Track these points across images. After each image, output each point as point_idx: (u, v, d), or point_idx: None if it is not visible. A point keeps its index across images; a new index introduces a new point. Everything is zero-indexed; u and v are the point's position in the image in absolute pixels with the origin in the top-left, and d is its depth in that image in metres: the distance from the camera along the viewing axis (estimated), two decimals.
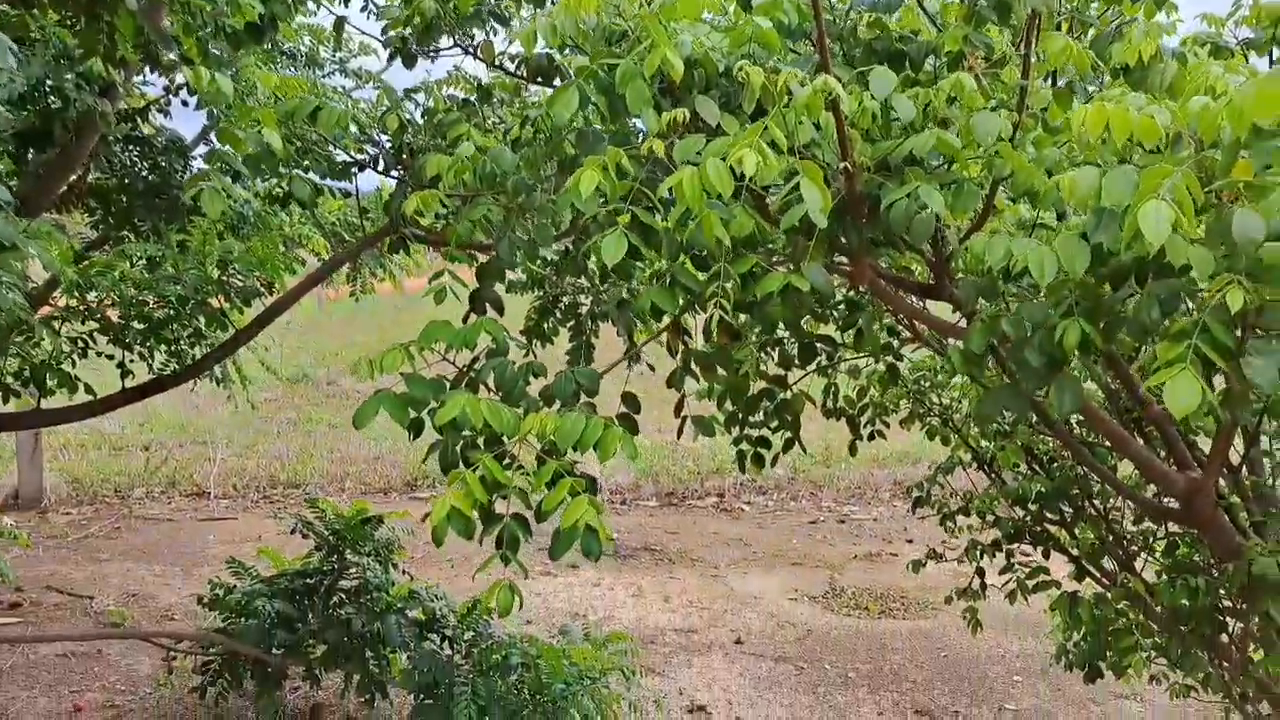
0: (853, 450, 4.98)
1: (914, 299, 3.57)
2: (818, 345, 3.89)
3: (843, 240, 2.82)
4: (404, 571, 5.08)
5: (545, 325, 5.02)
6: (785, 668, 6.40)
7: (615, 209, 2.28)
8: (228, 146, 3.06)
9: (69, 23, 4.09)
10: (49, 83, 3.90)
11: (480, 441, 2.33)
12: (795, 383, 4.15)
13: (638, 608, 7.45)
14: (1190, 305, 2.05)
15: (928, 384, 5.00)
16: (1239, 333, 1.95)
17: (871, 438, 4.81)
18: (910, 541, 9.05)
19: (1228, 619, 4.13)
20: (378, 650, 4.65)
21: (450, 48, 3.72)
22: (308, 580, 4.92)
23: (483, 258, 3.17)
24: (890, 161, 2.51)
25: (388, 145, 3.83)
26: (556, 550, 2.24)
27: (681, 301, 2.70)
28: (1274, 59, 3.06)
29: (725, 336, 3.30)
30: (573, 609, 7.35)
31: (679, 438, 3.22)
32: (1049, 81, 2.90)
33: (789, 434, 4.23)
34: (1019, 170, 2.51)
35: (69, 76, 3.82)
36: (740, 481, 10.95)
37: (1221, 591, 3.93)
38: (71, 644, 6.34)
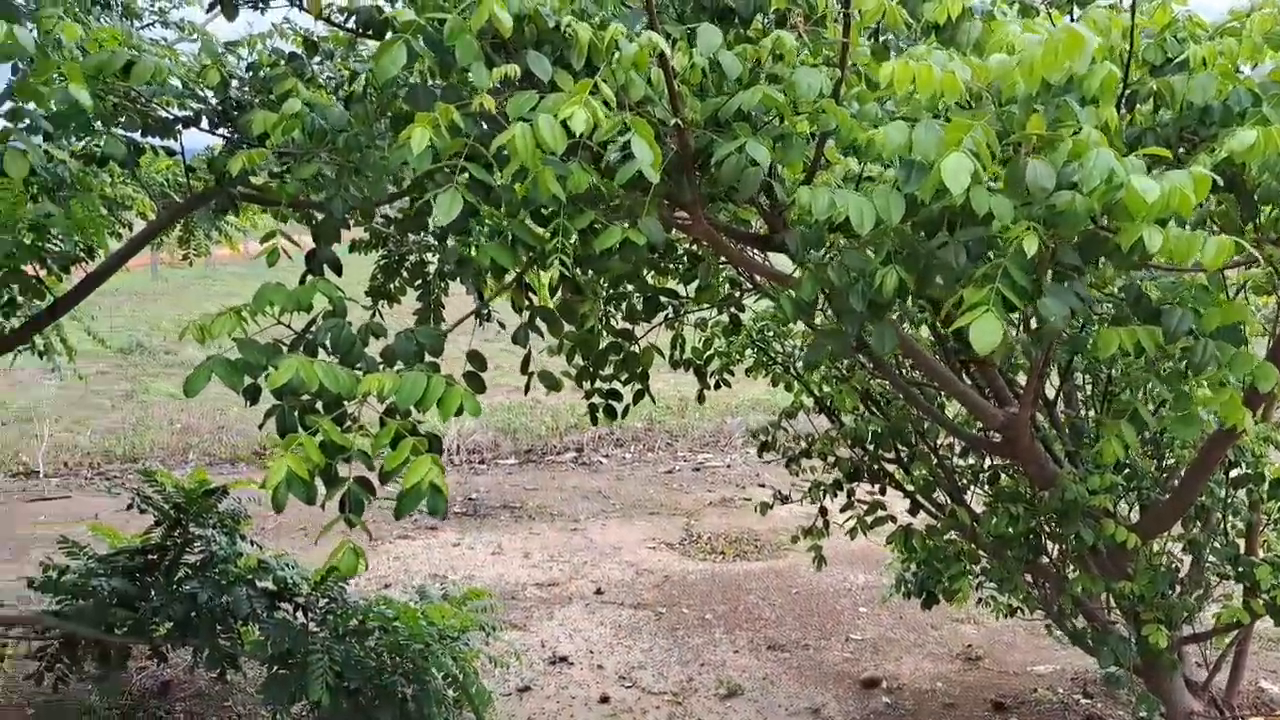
0: (701, 399, 5.13)
1: (754, 251, 3.68)
2: (662, 298, 3.97)
3: (680, 195, 2.88)
4: (252, 542, 4.94)
5: (391, 285, 4.92)
6: (644, 614, 6.57)
7: (450, 166, 2.26)
8: (31, 104, 2.86)
9: None
10: None
11: (319, 405, 2.30)
12: (643, 336, 4.24)
13: (498, 565, 7.48)
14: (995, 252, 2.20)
15: (771, 333, 5.16)
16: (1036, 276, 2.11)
17: (718, 386, 4.95)
18: (763, 486, 9.36)
19: (1047, 543, 4.48)
20: (227, 623, 4.53)
21: None
22: (149, 556, 4.73)
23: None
24: (721, 117, 2.58)
25: (214, 101, 3.66)
26: (401, 509, 2.24)
27: (523, 258, 2.71)
28: (1074, 18, 3.27)
29: (569, 292, 3.34)
30: (432, 570, 7.31)
31: (526, 393, 3.24)
32: (874, 39, 3.03)
33: (639, 386, 4.33)
34: (842, 124, 2.61)
35: None
36: (598, 435, 11.06)
37: (1042, 518, 4.24)
38: None
